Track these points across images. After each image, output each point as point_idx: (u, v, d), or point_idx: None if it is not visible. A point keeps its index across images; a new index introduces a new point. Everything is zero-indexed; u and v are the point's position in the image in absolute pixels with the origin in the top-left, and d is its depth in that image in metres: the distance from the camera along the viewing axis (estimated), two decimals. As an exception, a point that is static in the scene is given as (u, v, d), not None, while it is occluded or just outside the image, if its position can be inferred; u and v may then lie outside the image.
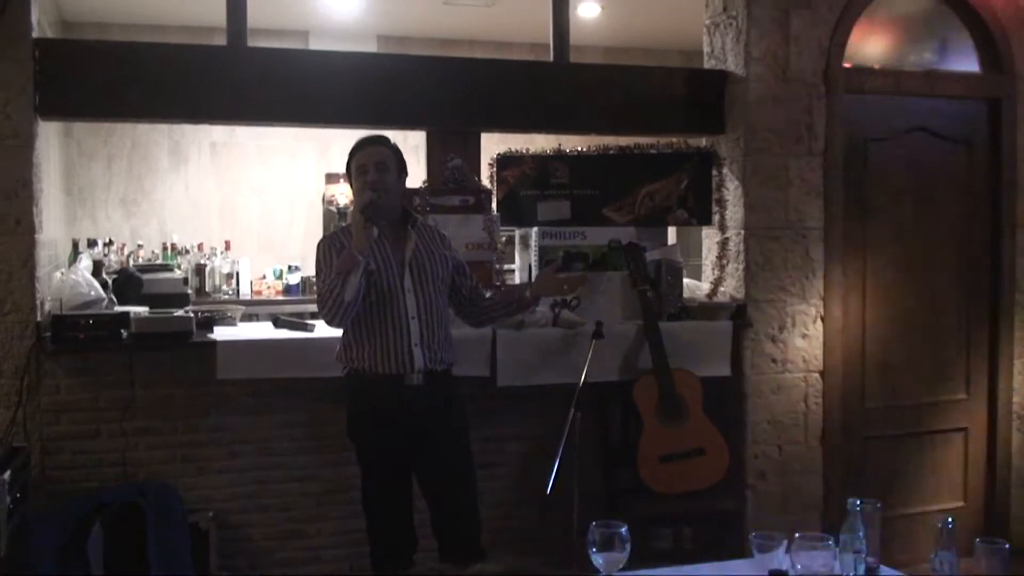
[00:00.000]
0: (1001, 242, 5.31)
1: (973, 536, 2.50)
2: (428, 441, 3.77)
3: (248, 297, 6.98)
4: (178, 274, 5.44)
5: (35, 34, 4.23)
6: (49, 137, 4.61)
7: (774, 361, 4.93)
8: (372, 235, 3.62)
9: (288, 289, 7.25)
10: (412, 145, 5.26)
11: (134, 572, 3.98)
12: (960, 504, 5.27)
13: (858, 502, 2.61)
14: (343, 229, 3.93)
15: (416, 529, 3.84)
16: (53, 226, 5.08)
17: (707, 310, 4.89)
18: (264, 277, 7.33)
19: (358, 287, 3.57)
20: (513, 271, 5.19)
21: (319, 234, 7.33)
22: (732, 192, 4.97)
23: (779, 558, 2.43)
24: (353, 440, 3.86)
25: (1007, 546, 2.42)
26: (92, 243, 6.23)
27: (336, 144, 7.67)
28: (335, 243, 3.78)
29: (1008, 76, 5.28)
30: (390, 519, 3.78)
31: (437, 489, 3.83)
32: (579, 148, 5.00)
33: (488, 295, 4.15)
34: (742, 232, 4.90)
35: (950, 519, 2.44)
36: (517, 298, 4.09)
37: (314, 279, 6.81)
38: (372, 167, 3.74)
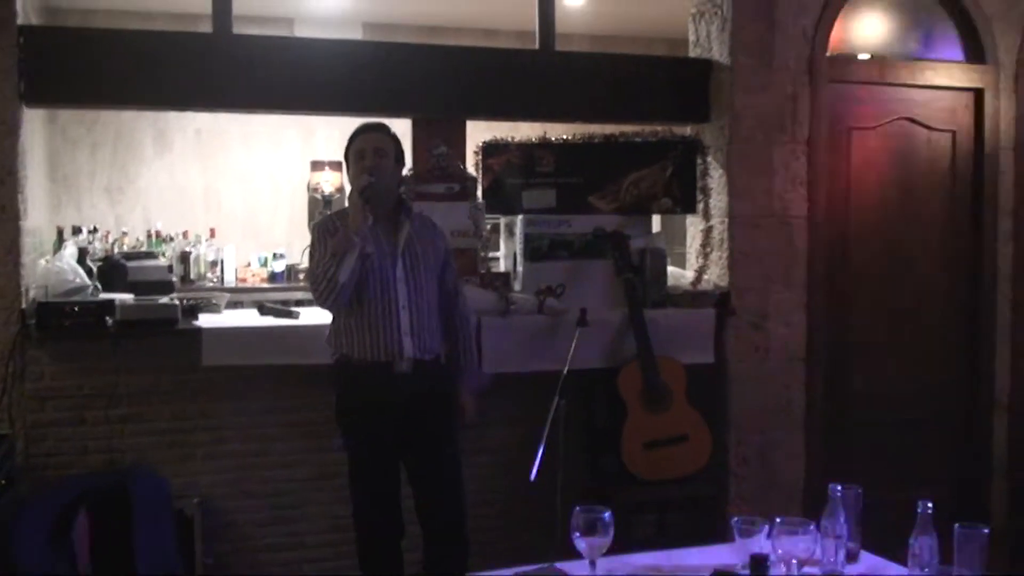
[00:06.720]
0: (983, 229, 5.35)
1: (954, 522, 2.51)
2: (416, 428, 3.77)
3: (233, 284, 6.97)
4: (163, 261, 5.42)
5: (20, 20, 4.21)
6: (33, 124, 4.59)
7: (757, 349, 4.95)
8: (369, 218, 3.61)
9: (273, 276, 7.24)
10: (398, 132, 5.24)
11: (120, 558, 3.98)
12: (942, 490, 5.30)
13: (839, 487, 2.64)
14: (338, 213, 3.92)
15: (404, 516, 3.84)
16: (37, 213, 5.05)
17: (691, 298, 4.91)
18: (249, 264, 7.32)
19: (353, 269, 3.57)
20: (498, 259, 5.20)
21: (304, 222, 7.33)
22: (716, 180, 4.98)
23: (761, 542, 2.45)
24: (341, 426, 3.86)
25: (986, 531, 2.44)
26: (77, 230, 6.21)
27: (321, 131, 7.65)
28: (329, 227, 3.76)
29: (991, 66, 5.31)
30: (377, 505, 3.78)
31: (423, 475, 3.84)
32: (564, 136, 5.00)
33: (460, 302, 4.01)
34: (726, 220, 4.91)
35: (929, 503, 2.46)
36: (458, 370, 3.98)
37: (298, 266, 6.91)
38: (370, 152, 3.74)
